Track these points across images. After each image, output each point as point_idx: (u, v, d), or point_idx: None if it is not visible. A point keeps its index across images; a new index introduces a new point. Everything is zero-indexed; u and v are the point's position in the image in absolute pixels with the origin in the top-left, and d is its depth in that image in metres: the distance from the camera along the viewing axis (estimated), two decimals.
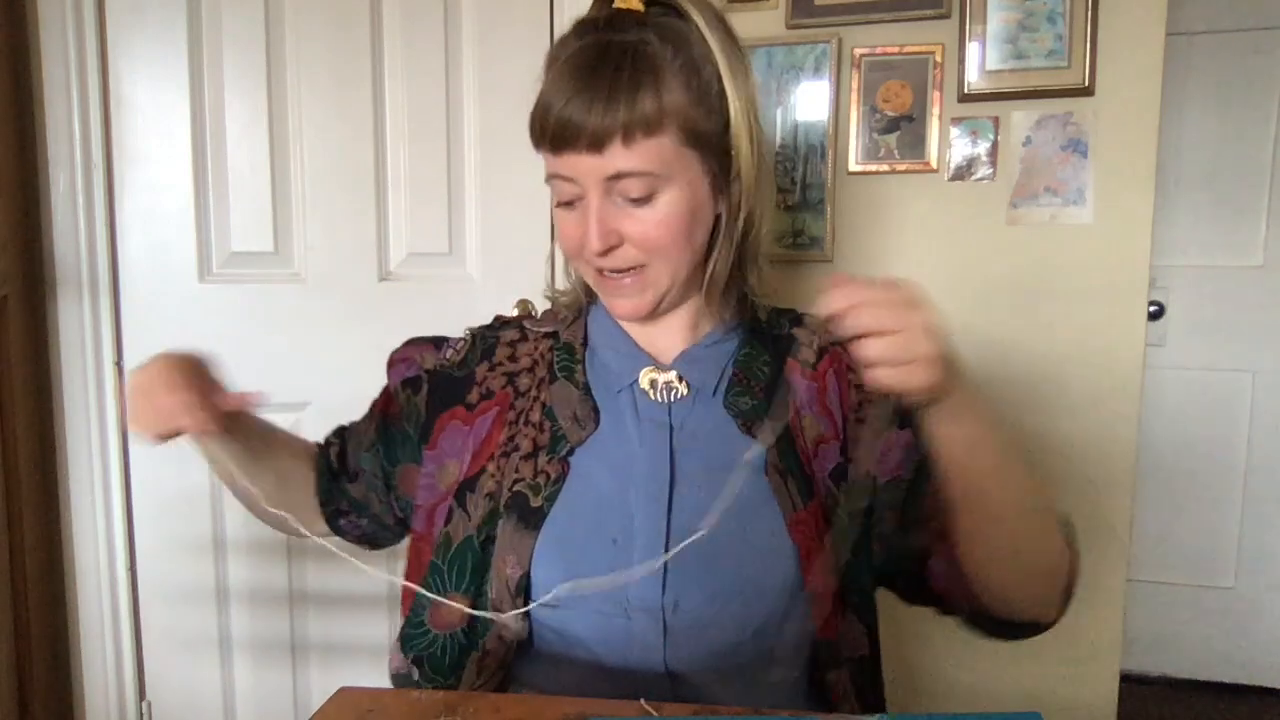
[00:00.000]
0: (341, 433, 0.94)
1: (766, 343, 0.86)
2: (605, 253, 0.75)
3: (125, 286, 1.63)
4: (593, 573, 0.75)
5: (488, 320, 0.94)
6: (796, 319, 0.89)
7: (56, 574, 1.68)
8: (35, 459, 1.63)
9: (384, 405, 0.91)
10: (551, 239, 1.59)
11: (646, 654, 0.76)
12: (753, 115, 0.78)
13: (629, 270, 0.77)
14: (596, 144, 0.71)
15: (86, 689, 1.71)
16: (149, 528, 1.69)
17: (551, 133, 0.73)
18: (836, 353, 0.84)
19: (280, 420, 0.92)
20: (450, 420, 0.86)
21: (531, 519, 0.78)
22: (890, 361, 0.60)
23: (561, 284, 0.93)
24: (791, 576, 0.77)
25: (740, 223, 0.80)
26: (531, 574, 0.77)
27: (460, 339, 0.91)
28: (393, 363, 0.92)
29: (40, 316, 1.62)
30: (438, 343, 0.92)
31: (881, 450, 0.83)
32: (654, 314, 0.81)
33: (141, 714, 1.72)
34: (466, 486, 0.83)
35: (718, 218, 0.80)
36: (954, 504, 0.71)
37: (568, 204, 0.77)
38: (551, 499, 0.79)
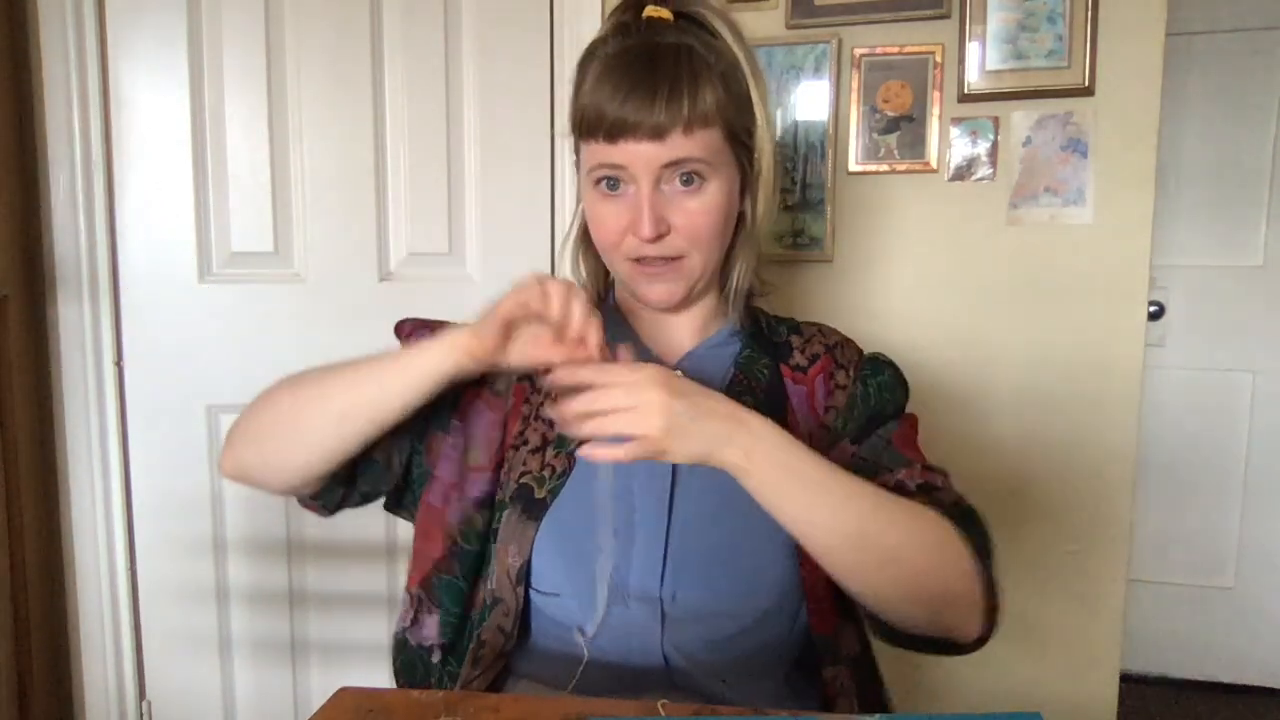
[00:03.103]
0: None
1: (766, 347, 0.88)
2: (655, 239, 0.77)
3: (125, 286, 1.63)
4: (592, 562, 0.78)
5: None
6: (794, 326, 0.92)
7: (56, 574, 1.68)
8: (35, 459, 1.63)
9: None
10: (552, 242, 1.59)
11: (645, 644, 0.77)
12: (771, 122, 0.82)
13: (669, 260, 0.80)
14: (659, 133, 0.74)
15: (86, 689, 1.71)
16: (149, 528, 1.69)
17: (610, 123, 0.75)
18: (826, 360, 0.87)
19: None
20: (476, 398, 0.86)
21: (534, 510, 0.80)
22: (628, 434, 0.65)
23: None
24: (789, 572, 0.78)
25: (760, 223, 0.84)
26: (532, 562, 0.79)
27: None
28: (409, 332, 0.89)
29: (40, 316, 1.62)
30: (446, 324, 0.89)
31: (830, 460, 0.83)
32: (683, 303, 0.84)
33: (141, 714, 1.72)
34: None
35: (740, 216, 0.84)
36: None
37: (608, 195, 0.79)
38: (555, 491, 0.81)
